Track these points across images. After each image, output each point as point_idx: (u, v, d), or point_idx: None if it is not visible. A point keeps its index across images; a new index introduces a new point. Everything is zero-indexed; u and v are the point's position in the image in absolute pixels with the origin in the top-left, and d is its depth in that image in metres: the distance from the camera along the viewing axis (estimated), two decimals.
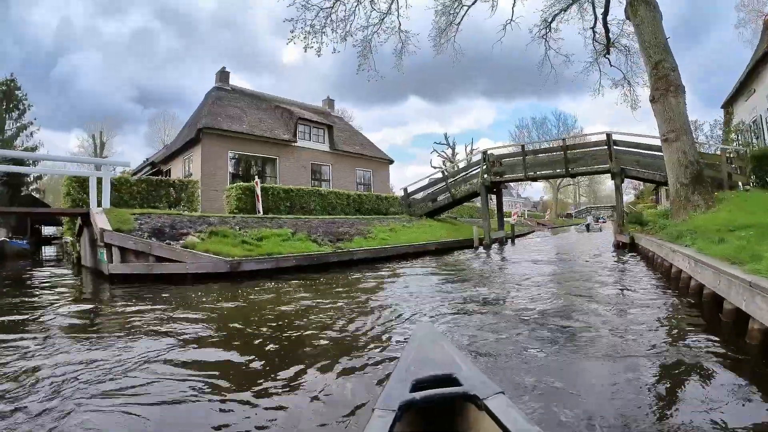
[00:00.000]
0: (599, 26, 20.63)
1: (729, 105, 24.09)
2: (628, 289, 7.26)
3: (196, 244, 10.16)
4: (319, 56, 18.28)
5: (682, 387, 3.23)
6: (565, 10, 20.97)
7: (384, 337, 4.78)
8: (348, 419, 2.80)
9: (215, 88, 26.07)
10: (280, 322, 5.50)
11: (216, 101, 24.51)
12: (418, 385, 1.95)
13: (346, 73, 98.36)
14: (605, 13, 19.19)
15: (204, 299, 7.38)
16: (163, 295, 7.81)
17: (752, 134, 20.34)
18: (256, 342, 4.66)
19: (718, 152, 18.19)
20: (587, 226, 46.09)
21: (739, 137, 20.98)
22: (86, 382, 3.44)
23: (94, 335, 5.05)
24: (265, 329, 5.17)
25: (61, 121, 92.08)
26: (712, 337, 4.19)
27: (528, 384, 3.22)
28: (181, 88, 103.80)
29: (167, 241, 10.22)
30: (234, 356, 4.22)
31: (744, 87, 21.27)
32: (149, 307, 6.68)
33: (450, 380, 1.98)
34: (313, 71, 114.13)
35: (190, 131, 23.04)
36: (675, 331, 4.61)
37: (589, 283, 8.04)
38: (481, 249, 18.65)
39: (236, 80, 40.71)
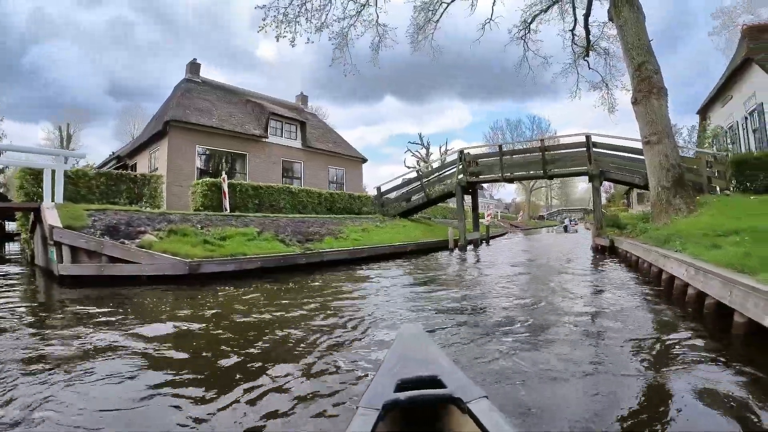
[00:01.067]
0: (579, 28, 20.69)
1: (705, 111, 24.42)
2: (617, 297, 6.86)
3: (153, 244, 9.49)
4: (292, 46, 17.72)
5: (697, 408, 2.88)
6: (546, 11, 20.90)
7: (357, 347, 4.40)
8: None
9: (185, 80, 25.19)
10: (241, 331, 5.01)
11: (185, 93, 23.63)
12: (402, 385, 1.96)
13: (327, 70, 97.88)
14: (587, 14, 19.14)
15: (157, 305, 6.80)
16: (113, 299, 7.16)
17: (728, 139, 20.48)
18: (216, 353, 4.20)
19: (694, 156, 18.29)
20: (565, 227, 49.83)
21: (716, 142, 21.10)
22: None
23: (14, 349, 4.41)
24: (225, 340, 4.65)
25: (30, 112, 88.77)
26: (724, 353, 3.83)
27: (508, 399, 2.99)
28: (160, 83, 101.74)
29: (121, 240, 9.54)
30: (195, 368, 3.82)
31: (720, 93, 21.56)
32: (93, 313, 6.08)
33: (434, 382, 1.99)
34: (295, 69, 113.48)
35: (157, 124, 22.18)
36: (680, 345, 4.22)
37: (575, 290, 7.65)
38: (456, 251, 18.37)
39: (218, 77, 39.97)
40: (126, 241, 9.48)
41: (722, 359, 3.69)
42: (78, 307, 6.63)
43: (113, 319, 5.71)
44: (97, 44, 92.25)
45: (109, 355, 4.13)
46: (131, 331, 5.00)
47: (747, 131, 18.92)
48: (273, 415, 2.89)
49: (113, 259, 9.00)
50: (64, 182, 11.52)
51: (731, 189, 13.94)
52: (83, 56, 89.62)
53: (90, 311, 6.28)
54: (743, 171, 13.77)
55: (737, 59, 19.73)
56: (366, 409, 1.79)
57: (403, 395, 1.85)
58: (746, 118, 18.87)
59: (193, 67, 25.88)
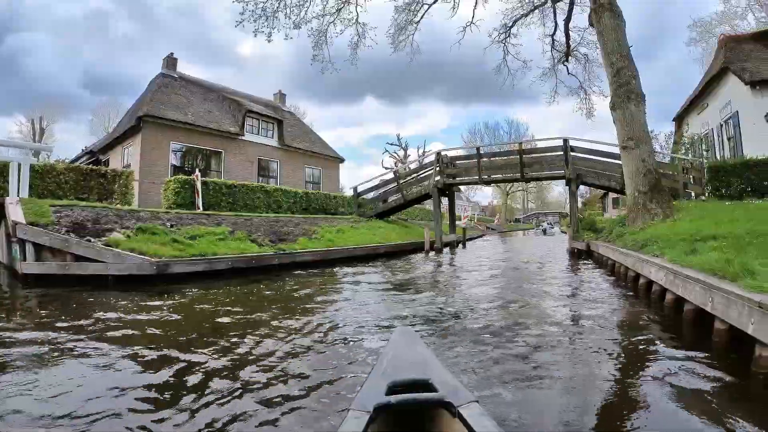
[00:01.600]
0: (559, 34, 20.89)
1: (681, 118, 24.79)
2: (594, 302, 6.89)
3: (120, 242, 9.26)
4: (269, 41, 17.45)
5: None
6: (527, 16, 21.05)
7: (326, 352, 4.31)
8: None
9: (161, 74, 24.67)
10: (203, 335, 4.86)
11: (161, 88, 23.17)
12: (393, 388, 1.96)
13: (308, 71, 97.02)
14: (567, 19, 19.38)
15: (116, 307, 6.59)
16: (73, 301, 6.99)
17: (703, 146, 20.83)
18: (174, 357, 4.04)
19: (668, 161, 18.70)
20: (544, 230, 53.91)
21: (691, 149, 21.44)
22: None
23: None
24: (185, 345, 4.48)
25: (3, 104, 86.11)
26: (706, 362, 3.73)
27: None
28: (139, 78, 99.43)
29: (87, 237, 9.28)
30: (154, 373, 3.67)
31: (696, 101, 21.96)
32: (48, 314, 5.92)
33: (426, 385, 1.99)
34: (276, 67, 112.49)
35: (131, 119, 21.69)
36: (659, 352, 4.18)
37: (552, 295, 7.64)
38: (432, 253, 18.35)
39: (198, 73, 39.38)
40: (92, 239, 9.24)
41: (703, 366, 3.63)
42: (34, 308, 6.45)
43: (68, 321, 5.52)
44: (74, 36, 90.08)
45: (58, 360, 4.00)
46: (84, 335, 4.82)
47: (722, 139, 19.37)
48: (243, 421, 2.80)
49: (78, 258, 8.77)
50: (30, 177, 11.21)
51: (706, 195, 14.26)
52: (60, 48, 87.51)
53: (46, 312, 6.13)
54: (719, 177, 14.13)
55: (714, 68, 20.13)
56: (357, 411, 1.79)
57: (394, 398, 1.85)
58: (721, 126, 19.30)
59: (170, 61, 25.37)
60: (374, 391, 1.95)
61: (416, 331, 4.56)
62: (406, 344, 2.52)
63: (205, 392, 3.22)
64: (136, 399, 3.13)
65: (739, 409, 2.87)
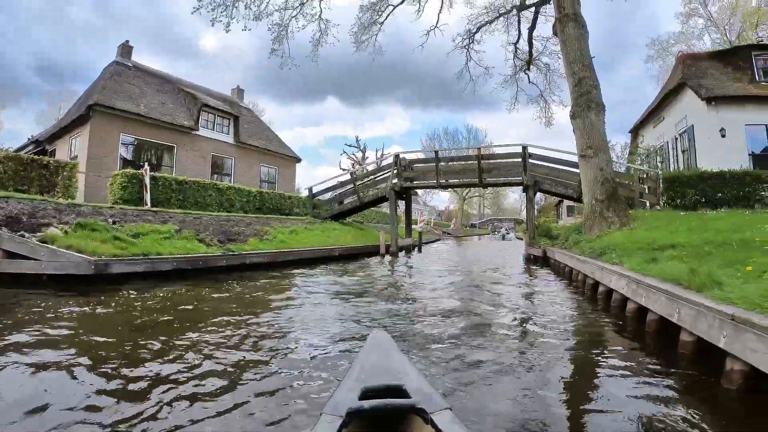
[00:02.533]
0: (522, 43, 21.31)
1: (637, 130, 25.64)
2: (552, 310, 6.84)
3: (56, 238, 8.77)
4: (227, 32, 17.07)
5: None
6: (491, 22, 21.29)
7: (272, 364, 4.03)
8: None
9: (114, 62, 23.72)
10: (132, 346, 4.48)
11: (113, 77, 22.37)
12: (367, 393, 1.96)
13: (273, 68, 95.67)
14: (531, 28, 19.84)
15: (40, 312, 6.15)
16: None
17: (658, 158, 21.48)
18: (100, 370, 3.68)
19: (623, 171, 19.28)
20: (503, 236, 57.12)
21: (646, 161, 22.09)
22: None
23: None
24: (109, 357, 4.15)
25: None
26: (673, 374, 3.69)
27: None
28: (96, 66, 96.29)
29: (21, 232, 8.75)
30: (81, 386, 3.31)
31: (653, 114, 22.80)
32: None
33: (399, 391, 2.00)
34: (241, 62, 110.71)
35: (81, 107, 20.83)
36: (623, 364, 4.05)
37: (509, 303, 7.54)
38: (387, 256, 18.33)
39: (159, 65, 38.24)
40: (27, 234, 8.72)
41: (669, 379, 3.60)
42: None
43: None
44: (28, 17, 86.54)
45: None
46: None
47: (677, 151, 20.39)
48: None
49: (12, 255, 8.26)
50: None
51: (662, 204, 14.95)
52: (12, 29, 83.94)
53: None
54: (675, 188, 14.83)
55: (671, 83, 21.05)
56: (329, 415, 1.80)
57: (367, 403, 1.82)
58: (676, 138, 20.26)
59: (125, 49, 24.46)
60: (347, 395, 1.95)
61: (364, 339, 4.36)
62: (380, 349, 2.52)
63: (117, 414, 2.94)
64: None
65: (710, 422, 2.81)
